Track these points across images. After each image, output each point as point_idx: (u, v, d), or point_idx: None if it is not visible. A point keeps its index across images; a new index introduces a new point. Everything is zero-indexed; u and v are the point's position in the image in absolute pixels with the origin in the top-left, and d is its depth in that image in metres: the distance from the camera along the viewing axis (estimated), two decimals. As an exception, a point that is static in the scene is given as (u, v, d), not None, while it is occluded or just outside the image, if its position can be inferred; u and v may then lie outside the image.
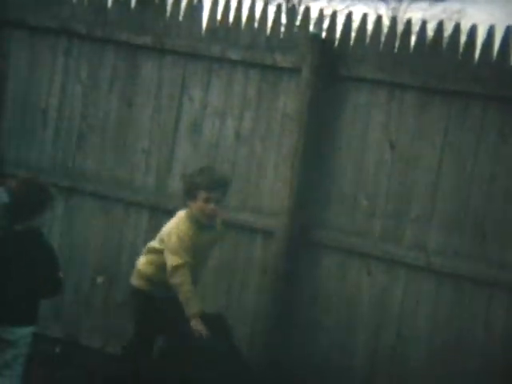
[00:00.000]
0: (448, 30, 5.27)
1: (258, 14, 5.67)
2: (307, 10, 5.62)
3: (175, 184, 5.87)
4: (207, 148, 5.84)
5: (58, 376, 5.80)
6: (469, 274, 5.13)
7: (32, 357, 4.82)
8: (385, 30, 5.41)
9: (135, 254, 5.82)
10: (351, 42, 5.43)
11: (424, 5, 25.95)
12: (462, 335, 5.16)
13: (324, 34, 5.54)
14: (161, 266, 5.06)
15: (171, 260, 4.99)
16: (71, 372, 5.83)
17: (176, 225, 5.08)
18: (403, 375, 5.29)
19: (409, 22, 5.30)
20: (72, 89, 6.23)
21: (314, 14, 5.57)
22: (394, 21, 5.42)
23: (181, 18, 5.88)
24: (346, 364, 5.41)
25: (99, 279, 6.07)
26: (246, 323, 5.52)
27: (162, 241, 5.12)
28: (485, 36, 5.07)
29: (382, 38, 5.34)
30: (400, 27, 5.36)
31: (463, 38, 5.14)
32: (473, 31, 5.14)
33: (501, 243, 5.09)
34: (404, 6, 28.50)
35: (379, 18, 5.41)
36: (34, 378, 5.42)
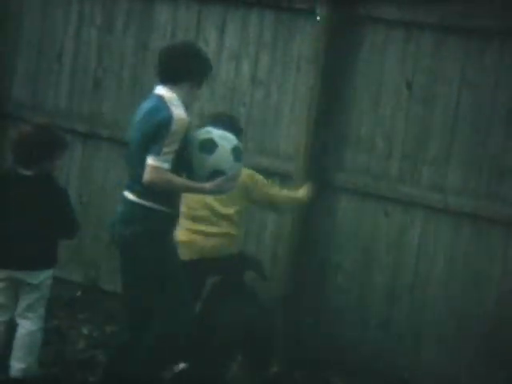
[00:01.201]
0: None
1: None
2: None
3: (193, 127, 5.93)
4: (223, 91, 5.84)
5: (79, 318, 5.89)
6: (486, 214, 5.11)
7: (53, 300, 4.95)
8: None
9: None
10: None
11: None
12: (479, 275, 5.16)
13: None
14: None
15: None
16: (91, 315, 5.92)
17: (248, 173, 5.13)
18: (420, 316, 5.27)
19: None
20: (87, 33, 6.26)
21: None
22: None
23: None
24: (363, 305, 5.41)
25: None
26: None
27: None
28: None
29: None
30: None
31: None
32: None
33: None
34: None
35: None
36: (56, 320, 5.64)
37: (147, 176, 4.31)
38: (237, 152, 4.43)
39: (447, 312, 5.23)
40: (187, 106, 4.48)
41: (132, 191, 4.43)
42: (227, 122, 5.02)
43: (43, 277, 4.73)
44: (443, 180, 5.27)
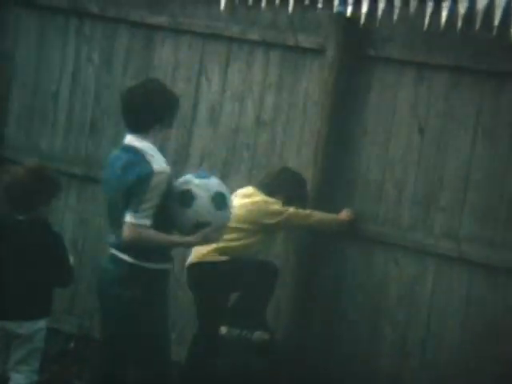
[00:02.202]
0: (481, 5, 5.23)
1: None
2: None
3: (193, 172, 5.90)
4: (226, 134, 5.85)
5: (74, 371, 5.88)
6: (503, 265, 5.05)
7: (47, 352, 4.94)
8: (412, 8, 5.28)
9: None
10: (378, 21, 5.39)
11: None
12: (495, 329, 5.10)
13: (349, 13, 5.54)
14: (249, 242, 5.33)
15: (289, 213, 5.31)
16: (85, 368, 5.86)
17: (263, 199, 5.35)
18: (432, 373, 5.24)
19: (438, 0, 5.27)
20: (84, 72, 6.28)
21: None
22: None
23: None
24: (373, 358, 5.35)
25: None
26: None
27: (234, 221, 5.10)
28: None
29: (410, 15, 5.28)
30: (429, 4, 5.25)
31: (498, 13, 5.10)
32: (508, 5, 5.08)
33: None
34: None
35: None
36: (50, 374, 5.61)
37: (125, 234, 4.27)
38: (218, 200, 4.33)
39: (461, 369, 5.18)
40: (162, 149, 4.43)
41: (124, 251, 4.34)
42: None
43: (37, 327, 4.70)
44: (457, 228, 5.22)
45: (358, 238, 5.41)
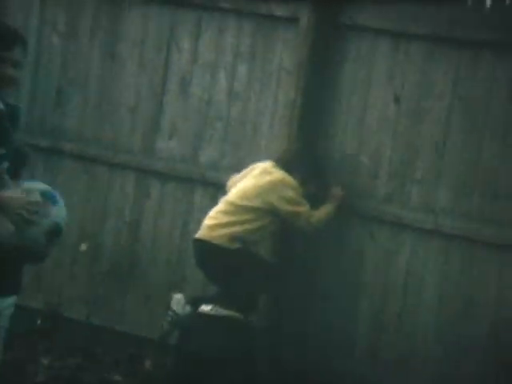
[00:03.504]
0: None
1: None
2: None
3: (164, 144, 5.92)
4: (198, 105, 5.82)
5: (39, 349, 5.84)
6: (479, 237, 5.11)
7: (13, 329, 4.72)
8: None
9: (121, 219, 6.04)
10: None
11: None
12: (471, 302, 5.16)
13: None
14: (253, 224, 5.34)
15: (303, 207, 5.31)
16: (52, 345, 5.90)
17: (281, 178, 5.29)
18: (409, 343, 5.31)
19: None
20: (49, 40, 6.21)
21: None
22: None
23: None
24: (350, 331, 5.41)
25: (83, 246, 6.10)
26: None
27: (247, 198, 5.31)
28: None
29: None
30: None
31: None
32: None
33: None
34: None
35: None
36: (14, 352, 5.38)
37: None
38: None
39: (437, 340, 5.25)
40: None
41: None
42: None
43: (2, 304, 4.42)
44: (433, 200, 5.27)
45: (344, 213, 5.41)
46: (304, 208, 5.29)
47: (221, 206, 5.40)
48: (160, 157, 5.92)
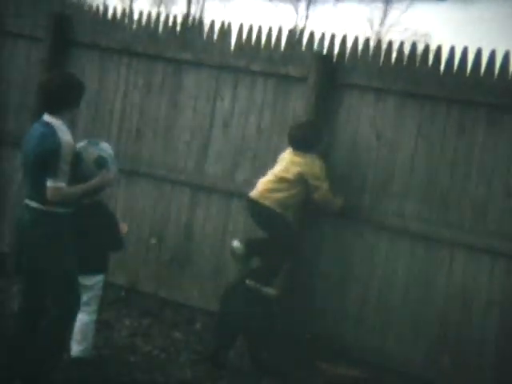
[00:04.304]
0: (420, 48, 5.39)
1: (274, 35, 5.78)
2: (312, 33, 5.72)
3: (210, 167, 5.99)
4: (235, 139, 5.91)
5: (122, 313, 5.90)
6: (436, 236, 5.23)
7: (103, 298, 5.04)
8: (371, 49, 5.47)
9: (179, 221, 6.03)
10: (346, 57, 5.55)
11: (400, 28, 27.02)
12: (429, 284, 5.24)
13: (325, 51, 5.62)
14: (290, 194, 5.24)
15: (325, 185, 5.24)
16: (131, 311, 5.93)
17: (315, 162, 5.25)
18: (388, 314, 5.37)
19: (390, 43, 5.53)
20: (131, 95, 6.30)
21: (317, 36, 5.72)
22: (379, 42, 5.54)
23: (215, 38, 5.97)
24: (342, 306, 5.48)
25: (152, 240, 6.16)
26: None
27: (287, 171, 5.20)
28: (448, 53, 5.21)
29: (370, 54, 5.48)
30: (384, 46, 5.44)
31: (431, 56, 5.27)
32: (439, 50, 5.30)
33: (461, 211, 5.18)
34: (385, 28, 29.43)
35: (367, 40, 5.52)
36: (106, 314, 5.66)
37: (49, 196, 4.27)
38: (99, 161, 4.57)
39: (405, 313, 5.31)
40: (72, 122, 4.51)
41: (32, 199, 4.34)
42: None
43: (96, 279, 4.84)
44: (404, 208, 5.34)
45: (339, 215, 5.47)
46: (324, 184, 5.26)
47: (268, 176, 5.35)
48: (207, 176, 5.98)
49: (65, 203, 4.35)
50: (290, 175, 5.28)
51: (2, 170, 6.62)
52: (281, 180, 5.29)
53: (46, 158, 4.28)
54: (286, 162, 5.34)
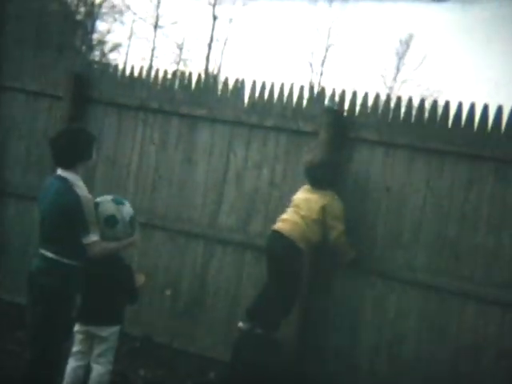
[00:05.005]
0: (428, 104, 5.46)
1: (286, 91, 5.88)
2: (323, 89, 5.86)
3: (224, 220, 6.08)
4: (248, 192, 5.98)
5: (137, 364, 5.91)
6: (446, 287, 5.28)
7: (118, 349, 5.00)
8: (381, 104, 5.58)
9: (194, 272, 6.08)
10: (356, 113, 5.63)
11: (412, 84, 27.33)
12: (441, 332, 5.29)
13: (336, 106, 5.72)
14: (311, 230, 5.30)
15: (341, 226, 5.31)
16: (146, 361, 5.93)
17: (335, 200, 5.35)
18: (400, 365, 5.45)
19: (399, 99, 5.58)
20: (148, 149, 6.39)
21: (328, 91, 5.85)
22: (388, 97, 5.64)
23: (228, 95, 6.07)
24: (354, 357, 5.50)
25: (167, 292, 6.19)
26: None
27: (309, 209, 5.27)
28: (456, 109, 5.31)
29: (380, 109, 5.58)
30: (392, 102, 5.55)
31: (440, 111, 5.35)
32: (447, 105, 5.39)
33: (470, 263, 5.24)
34: (397, 84, 29.88)
35: (377, 96, 5.65)
36: (120, 365, 5.58)
37: (91, 253, 4.31)
38: (132, 222, 4.59)
39: (419, 362, 5.35)
40: (88, 172, 4.58)
41: (48, 250, 4.36)
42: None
43: (111, 331, 4.84)
44: (414, 260, 5.40)
45: (350, 266, 5.55)
46: (341, 226, 5.34)
47: (289, 213, 5.41)
48: (221, 229, 6.05)
49: (79, 255, 4.33)
50: (311, 212, 5.33)
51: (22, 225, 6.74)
52: (303, 217, 5.32)
53: (66, 214, 4.28)
54: (306, 199, 5.38)
